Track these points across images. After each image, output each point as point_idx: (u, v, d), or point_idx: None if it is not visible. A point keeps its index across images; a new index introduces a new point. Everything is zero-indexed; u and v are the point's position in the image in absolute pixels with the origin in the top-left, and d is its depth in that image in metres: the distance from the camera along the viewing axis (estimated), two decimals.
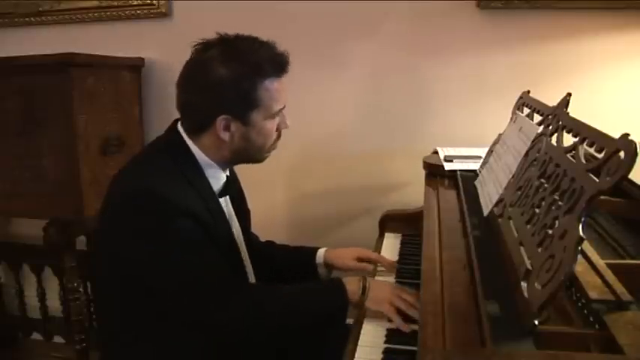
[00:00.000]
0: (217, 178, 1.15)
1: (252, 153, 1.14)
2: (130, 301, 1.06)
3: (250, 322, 1.05)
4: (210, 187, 1.13)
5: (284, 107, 1.14)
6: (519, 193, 0.94)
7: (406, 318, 1.01)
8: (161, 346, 1.07)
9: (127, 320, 1.09)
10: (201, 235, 1.04)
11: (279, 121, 1.15)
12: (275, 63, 1.08)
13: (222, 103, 1.06)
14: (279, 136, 1.17)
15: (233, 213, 1.24)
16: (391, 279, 1.24)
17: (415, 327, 0.98)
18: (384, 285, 1.12)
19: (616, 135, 0.69)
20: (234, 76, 1.04)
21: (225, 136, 1.08)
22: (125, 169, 1.10)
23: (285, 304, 1.08)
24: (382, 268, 1.32)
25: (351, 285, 1.08)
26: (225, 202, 1.20)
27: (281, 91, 1.11)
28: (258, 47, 1.08)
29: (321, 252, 1.34)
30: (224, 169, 1.18)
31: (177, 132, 1.13)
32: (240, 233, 1.25)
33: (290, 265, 1.36)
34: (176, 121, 1.16)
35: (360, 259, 1.32)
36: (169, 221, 1.00)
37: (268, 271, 1.33)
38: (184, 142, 1.11)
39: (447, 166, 1.47)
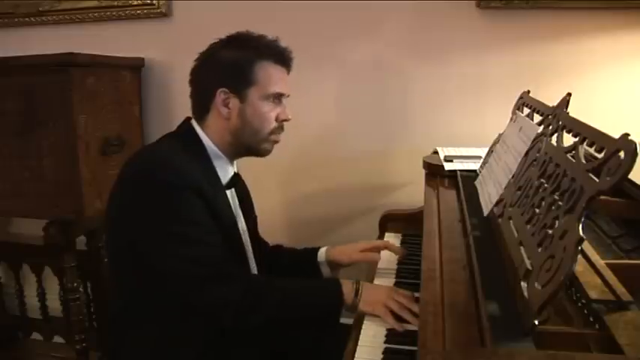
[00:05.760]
0: (225, 171, 1.19)
1: (250, 136, 1.17)
2: (136, 283, 1.06)
3: (244, 309, 1.02)
4: (218, 178, 1.16)
5: (283, 95, 1.18)
6: (519, 193, 0.94)
7: (401, 318, 1.01)
8: (165, 330, 1.07)
9: (132, 303, 1.09)
10: (208, 215, 1.06)
11: (279, 110, 1.18)
12: (274, 50, 1.17)
13: (221, 76, 1.14)
14: (281, 128, 1.19)
15: (239, 208, 1.25)
16: (391, 279, 1.24)
17: (410, 327, 0.98)
18: (377, 287, 1.11)
19: (616, 135, 0.69)
20: (235, 54, 1.15)
21: (224, 111, 1.14)
22: (137, 152, 1.15)
23: (282, 297, 1.06)
24: (385, 260, 1.32)
25: (345, 287, 1.07)
26: (231, 196, 1.22)
27: (279, 77, 1.17)
28: (262, 37, 1.18)
29: (322, 251, 1.34)
30: (231, 162, 1.21)
31: (189, 124, 1.19)
32: (246, 228, 1.26)
33: (294, 266, 1.36)
34: (188, 118, 1.21)
35: (365, 251, 1.31)
36: (180, 193, 1.02)
37: (277, 274, 1.32)
38: (195, 132, 1.17)
39: (447, 166, 1.47)
